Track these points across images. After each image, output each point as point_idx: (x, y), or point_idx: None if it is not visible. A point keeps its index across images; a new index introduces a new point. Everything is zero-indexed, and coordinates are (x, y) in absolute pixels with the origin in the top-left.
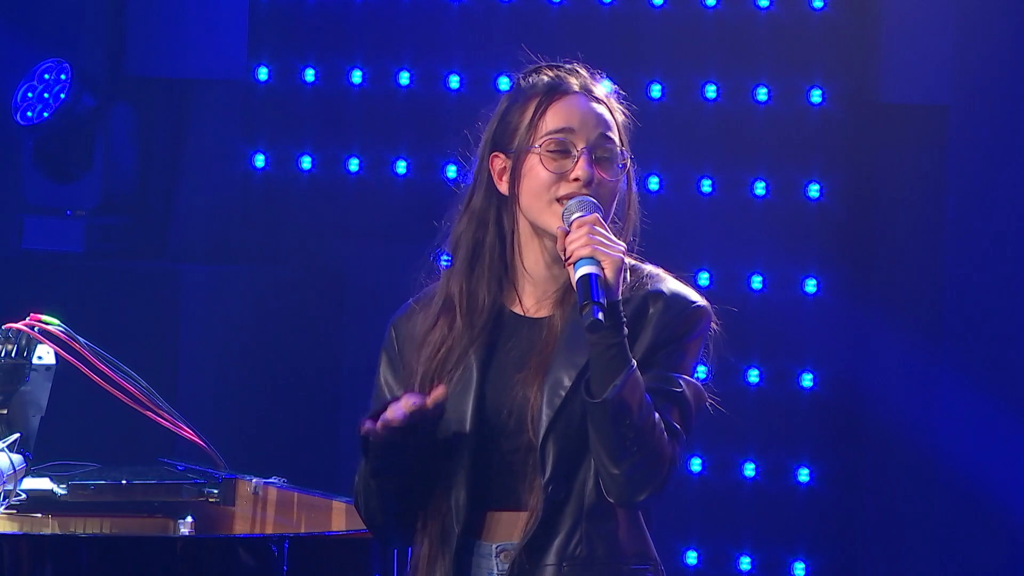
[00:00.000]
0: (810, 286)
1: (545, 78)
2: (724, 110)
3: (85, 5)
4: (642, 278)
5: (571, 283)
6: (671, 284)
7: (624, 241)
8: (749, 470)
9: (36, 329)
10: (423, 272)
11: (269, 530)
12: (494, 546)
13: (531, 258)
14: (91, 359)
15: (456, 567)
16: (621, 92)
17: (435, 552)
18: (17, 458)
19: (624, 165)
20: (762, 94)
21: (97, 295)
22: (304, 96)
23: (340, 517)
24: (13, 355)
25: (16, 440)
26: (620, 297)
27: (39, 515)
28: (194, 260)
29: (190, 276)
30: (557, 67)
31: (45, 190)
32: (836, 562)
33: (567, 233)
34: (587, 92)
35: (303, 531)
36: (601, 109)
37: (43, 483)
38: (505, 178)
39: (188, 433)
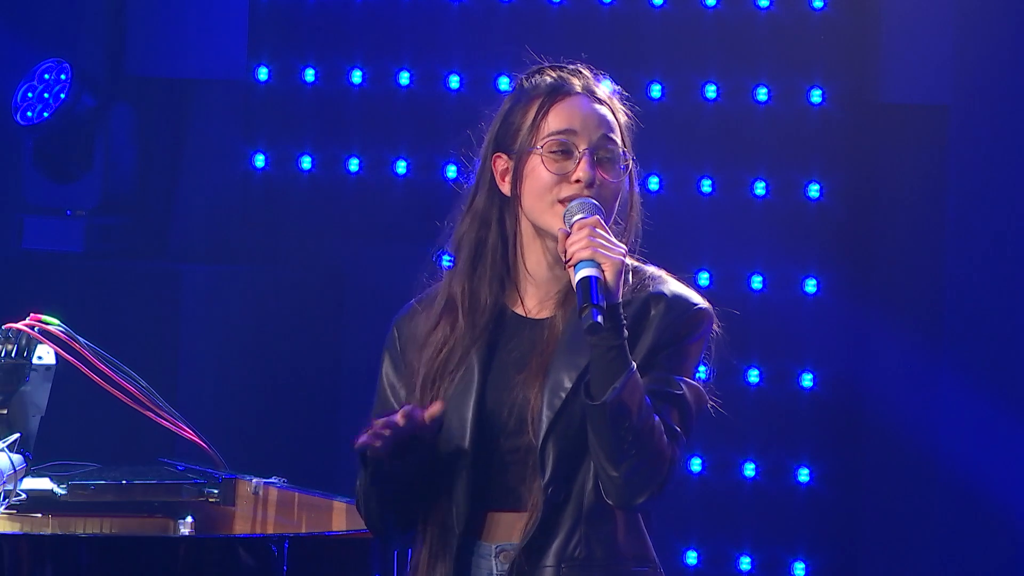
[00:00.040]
0: (810, 286)
1: (548, 79)
2: (724, 110)
3: (85, 5)
4: (644, 280)
5: (572, 284)
6: (673, 286)
7: (626, 242)
8: (749, 470)
9: (36, 329)
10: (423, 272)
11: (269, 530)
12: (493, 546)
13: (533, 259)
14: (91, 359)
15: (456, 567)
16: (624, 93)
17: (435, 552)
18: (17, 458)
19: (626, 166)
20: (762, 94)
21: (97, 295)
22: (304, 96)
23: (341, 517)
24: (13, 355)
25: (16, 440)
26: (620, 299)
27: (39, 515)
28: (194, 260)
29: (190, 276)
30: (560, 68)
31: (45, 190)
32: (836, 562)
33: (568, 235)
34: (589, 93)
35: (303, 531)
36: (603, 110)
37: (43, 483)
38: (507, 179)
39: (188, 433)
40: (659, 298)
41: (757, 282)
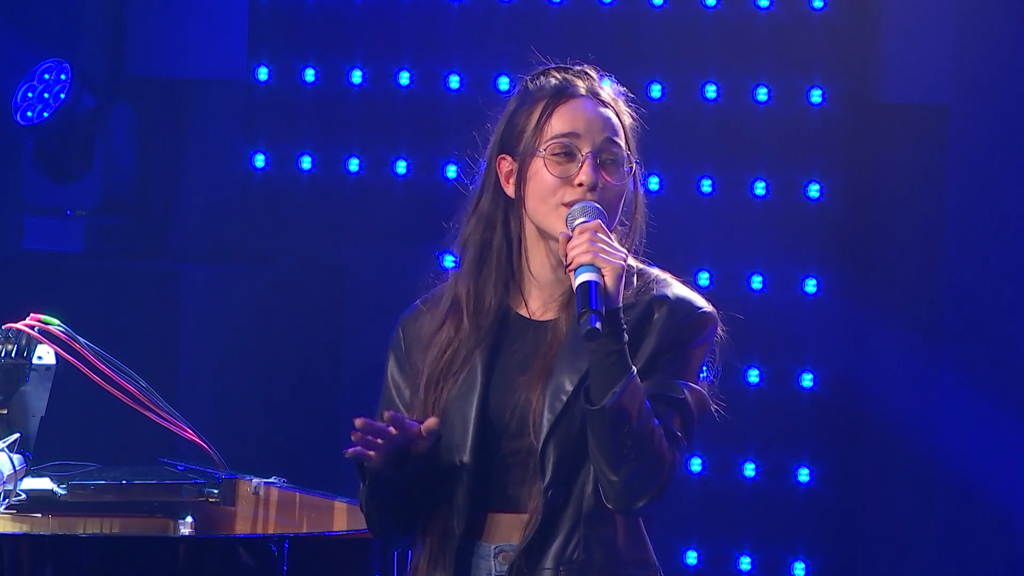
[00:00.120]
0: (810, 286)
1: (552, 80)
2: (724, 110)
3: (85, 5)
4: (649, 283)
5: (573, 288)
6: (677, 289)
7: (630, 244)
8: (749, 470)
9: (36, 329)
10: (423, 272)
11: (270, 530)
12: (493, 547)
13: (537, 261)
14: (91, 359)
15: (455, 567)
16: (629, 95)
17: (435, 552)
18: (17, 458)
19: (631, 169)
20: (762, 94)
21: (97, 295)
22: (304, 96)
23: (342, 517)
24: (13, 355)
25: (16, 440)
26: (620, 304)
27: (39, 515)
28: (194, 260)
29: (190, 276)
30: (565, 69)
31: (45, 190)
32: (836, 562)
33: (569, 239)
34: (594, 95)
35: (304, 531)
36: (608, 112)
37: (43, 483)
38: (512, 181)
39: (188, 433)
40: (662, 301)
41: (757, 282)
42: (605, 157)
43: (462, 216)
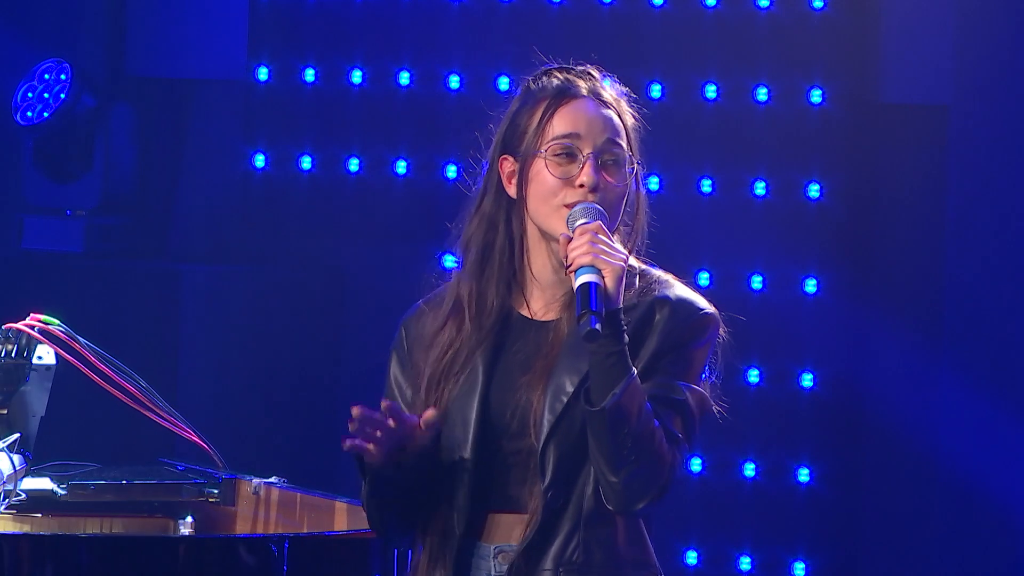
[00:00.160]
0: (810, 286)
1: (555, 81)
2: (724, 110)
3: (85, 5)
4: (651, 283)
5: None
6: (679, 290)
7: (633, 244)
8: (749, 470)
9: (36, 329)
10: (423, 272)
11: (270, 530)
12: (492, 547)
13: (539, 262)
14: (91, 359)
15: (455, 567)
16: (632, 95)
17: (436, 552)
18: (17, 458)
19: (633, 169)
20: (762, 94)
21: (97, 295)
22: (304, 96)
23: (342, 517)
24: (13, 355)
25: (16, 440)
26: (621, 305)
27: (39, 515)
28: (194, 260)
29: (190, 276)
30: (568, 69)
31: (45, 190)
32: (836, 562)
33: (570, 240)
34: (595, 96)
35: (304, 531)
36: (609, 113)
37: (43, 483)
38: (514, 181)
39: (188, 433)
40: (664, 302)
41: (757, 282)
42: (606, 158)
43: (464, 216)
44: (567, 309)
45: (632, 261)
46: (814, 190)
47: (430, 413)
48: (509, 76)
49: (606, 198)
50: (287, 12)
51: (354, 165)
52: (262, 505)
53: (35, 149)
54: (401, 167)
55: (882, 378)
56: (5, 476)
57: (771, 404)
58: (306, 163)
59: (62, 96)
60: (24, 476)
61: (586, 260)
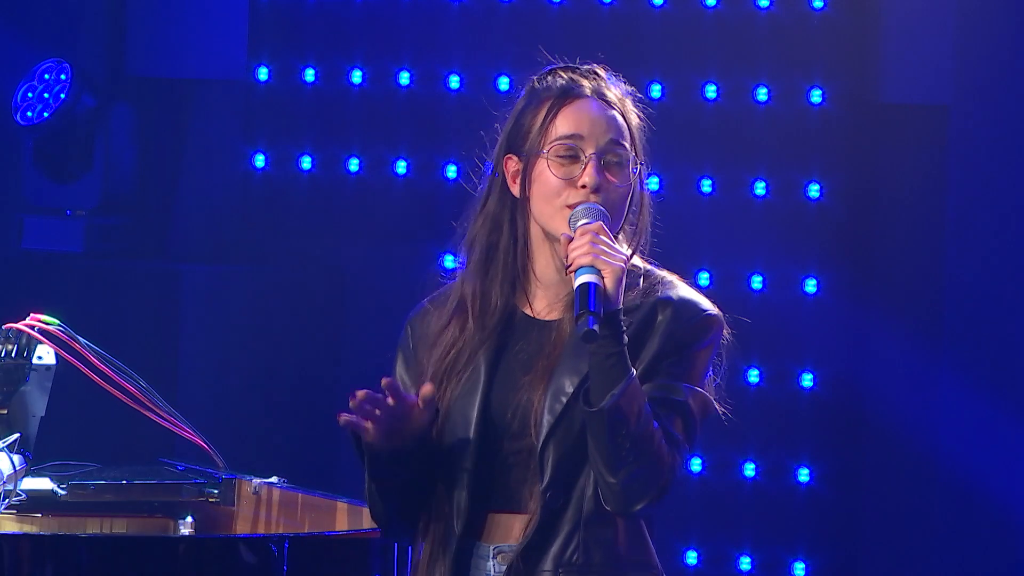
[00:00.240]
0: (810, 286)
1: (560, 80)
2: (724, 110)
3: (85, 5)
4: (654, 284)
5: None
6: (682, 291)
7: (637, 244)
8: (749, 470)
9: (36, 329)
10: (423, 272)
11: (271, 530)
12: (492, 547)
13: (542, 262)
14: (91, 359)
15: (455, 567)
16: (637, 95)
17: (436, 551)
18: (17, 458)
19: (636, 170)
20: (762, 94)
21: (97, 295)
22: (304, 96)
23: (343, 518)
24: (13, 355)
25: (16, 440)
26: (621, 306)
27: (39, 515)
28: (194, 260)
29: (190, 276)
30: (573, 69)
31: (45, 190)
32: (836, 562)
33: (571, 240)
34: (599, 96)
35: (304, 531)
36: (613, 113)
37: (43, 483)
38: (518, 181)
39: (188, 433)
40: (666, 303)
41: (757, 282)
42: (609, 159)
43: (469, 215)
44: (570, 309)
45: (637, 261)
46: (814, 190)
47: (427, 388)
48: (509, 76)
49: (609, 199)
50: (287, 12)
51: (354, 165)
52: (262, 505)
53: (35, 149)
54: (401, 167)
55: (882, 378)
56: (5, 476)
57: (771, 404)
58: (306, 163)
59: (62, 96)
60: (24, 476)
61: (586, 260)
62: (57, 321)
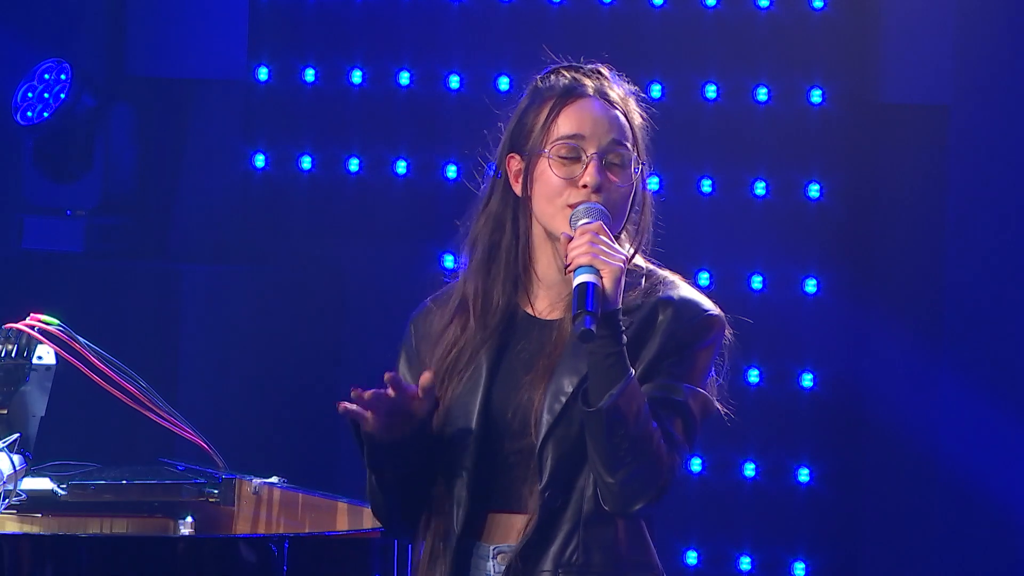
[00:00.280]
0: (810, 286)
1: (562, 80)
2: (724, 110)
3: (85, 5)
4: (656, 284)
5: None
6: (684, 291)
7: (638, 244)
8: (749, 470)
9: (36, 329)
10: (423, 272)
11: (271, 530)
12: (492, 547)
13: (544, 261)
14: (91, 359)
15: (454, 567)
16: (641, 95)
17: (436, 551)
18: (17, 458)
19: (638, 170)
20: (762, 94)
21: (97, 295)
22: (304, 96)
23: (343, 518)
24: (13, 355)
25: (16, 440)
26: (620, 306)
27: (39, 515)
28: (194, 260)
29: (190, 276)
30: (576, 68)
31: (45, 190)
32: (836, 562)
33: (571, 240)
34: (602, 95)
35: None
36: (615, 113)
37: (43, 483)
38: (520, 180)
39: (188, 433)
40: (667, 303)
41: (757, 282)
42: (611, 159)
43: (472, 214)
44: (571, 309)
45: (639, 261)
46: (814, 190)
47: (426, 377)
48: (509, 76)
49: (610, 198)
50: (287, 12)
51: (354, 165)
52: (262, 505)
53: (35, 149)
54: (401, 167)
55: (882, 378)
56: (5, 476)
57: (771, 404)
58: (306, 163)
59: (62, 96)
60: (24, 476)
61: (585, 260)
62: (57, 321)
